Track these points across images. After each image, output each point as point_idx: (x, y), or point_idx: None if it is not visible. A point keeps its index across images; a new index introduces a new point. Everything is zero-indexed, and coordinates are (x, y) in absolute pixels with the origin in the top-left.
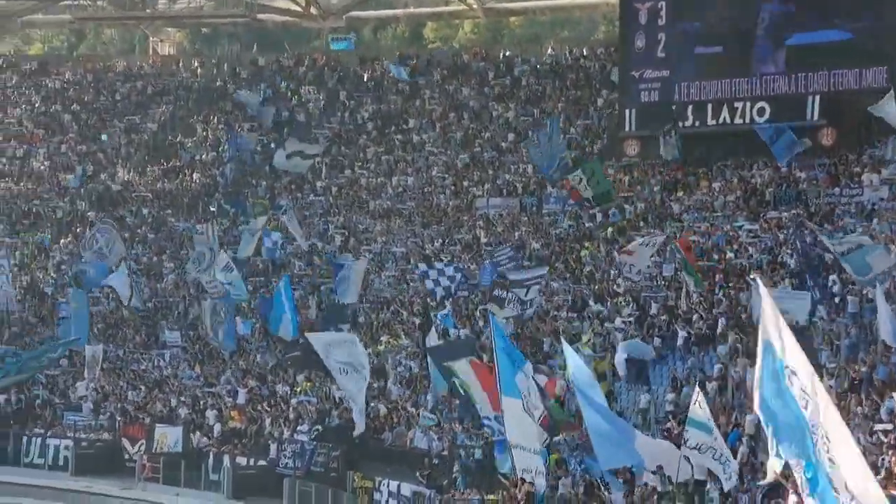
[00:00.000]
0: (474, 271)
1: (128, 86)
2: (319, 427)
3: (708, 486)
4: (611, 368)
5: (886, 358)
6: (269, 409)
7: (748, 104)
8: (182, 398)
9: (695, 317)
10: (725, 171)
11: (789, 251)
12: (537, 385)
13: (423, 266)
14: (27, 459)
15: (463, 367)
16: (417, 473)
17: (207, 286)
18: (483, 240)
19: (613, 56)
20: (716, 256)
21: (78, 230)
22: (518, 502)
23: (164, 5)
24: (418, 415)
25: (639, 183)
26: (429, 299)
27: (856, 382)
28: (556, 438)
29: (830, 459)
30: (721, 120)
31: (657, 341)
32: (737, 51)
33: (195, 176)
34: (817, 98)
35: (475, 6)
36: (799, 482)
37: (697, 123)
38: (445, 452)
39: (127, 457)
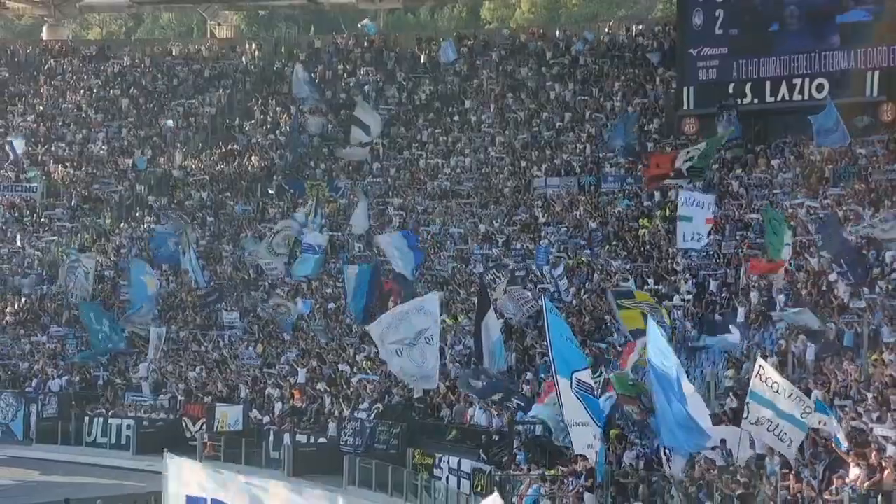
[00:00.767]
0: (532, 251)
1: (185, 69)
2: (380, 405)
3: (766, 459)
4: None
5: None
6: (329, 389)
7: (807, 80)
8: (242, 377)
9: (753, 293)
10: (784, 148)
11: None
12: None
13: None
14: (90, 439)
15: None
16: (480, 450)
17: (266, 268)
18: (541, 220)
19: (672, 34)
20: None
21: (137, 214)
22: (579, 476)
23: None
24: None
25: None
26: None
27: None
28: (616, 413)
29: None
30: (780, 97)
31: (717, 318)
32: (794, 27)
33: (253, 159)
34: (876, 74)
35: None
36: None
37: (756, 101)
38: (505, 429)
39: (189, 435)
